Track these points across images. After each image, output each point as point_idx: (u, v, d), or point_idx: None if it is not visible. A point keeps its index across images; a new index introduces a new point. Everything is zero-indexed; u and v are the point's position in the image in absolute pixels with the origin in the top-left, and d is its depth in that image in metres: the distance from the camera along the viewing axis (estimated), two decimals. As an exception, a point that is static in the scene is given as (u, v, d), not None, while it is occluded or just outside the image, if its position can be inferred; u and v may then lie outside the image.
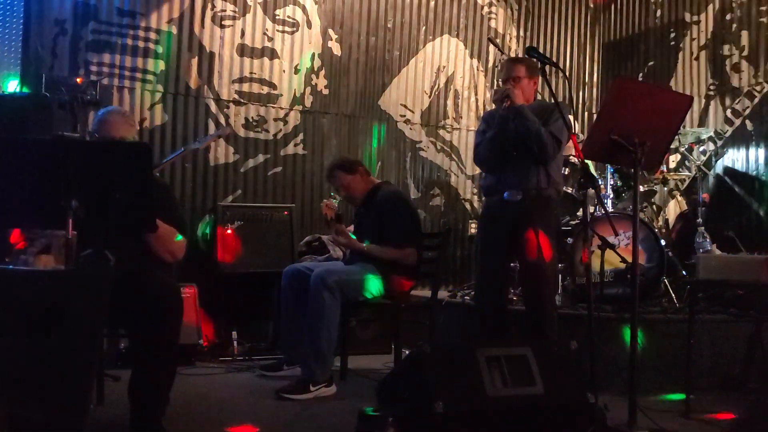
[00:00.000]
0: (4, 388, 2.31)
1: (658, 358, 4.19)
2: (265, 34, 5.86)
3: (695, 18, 6.46)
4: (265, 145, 5.87)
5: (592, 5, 7.40)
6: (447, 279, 6.22)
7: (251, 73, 5.81)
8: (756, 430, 2.67)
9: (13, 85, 4.80)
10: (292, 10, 5.97)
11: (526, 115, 3.83)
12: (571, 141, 3.71)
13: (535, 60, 3.77)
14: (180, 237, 3.09)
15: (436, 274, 4.55)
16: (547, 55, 6.76)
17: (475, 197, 6.72)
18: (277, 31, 5.92)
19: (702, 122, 6.25)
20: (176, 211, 3.32)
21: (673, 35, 6.64)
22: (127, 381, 2.92)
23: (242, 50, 5.78)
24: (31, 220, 2.71)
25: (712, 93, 6.25)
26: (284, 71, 5.94)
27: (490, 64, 6.86)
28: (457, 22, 6.71)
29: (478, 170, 6.14)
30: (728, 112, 6.10)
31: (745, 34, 6.05)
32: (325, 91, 6.13)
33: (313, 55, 6.03)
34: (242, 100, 5.78)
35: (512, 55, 6.75)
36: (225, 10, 5.72)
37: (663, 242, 4.74)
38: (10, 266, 2.75)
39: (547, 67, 3.56)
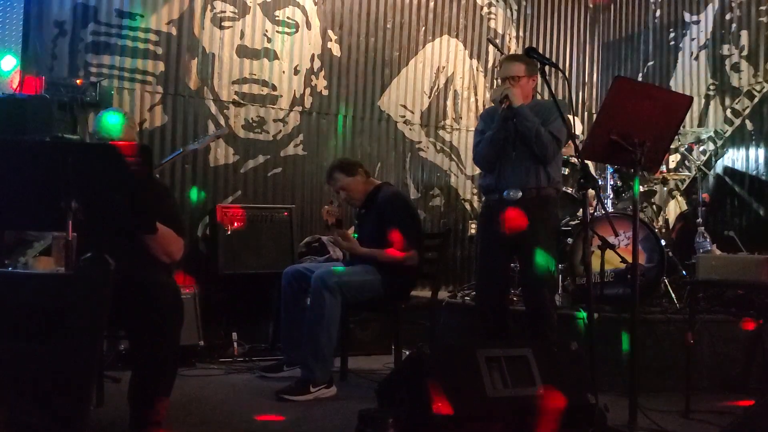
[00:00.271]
0: (4, 391, 2.31)
1: (658, 358, 4.19)
2: (264, 35, 5.87)
3: (695, 18, 6.46)
4: (264, 146, 5.87)
5: (591, 5, 7.40)
6: (447, 279, 6.22)
7: (251, 74, 5.81)
8: (756, 430, 2.67)
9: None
10: (291, 11, 5.98)
11: (526, 115, 3.83)
12: (570, 140, 3.71)
13: (534, 59, 3.77)
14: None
15: (436, 274, 4.55)
16: (547, 55, 6.79)
17: (475, 197, 6.72)
18: (277, 32, 5.92)
19: (702, 122, 6.25)
20: (175, 212, 3.32)
21: (672, 35, 6.64)
22: (127, 382, 2.92)
23: (242, 51, 5.78)
24: (30, 222, 2.71)
25: (711, 93, 6.25)
26: (284, 72, 5.94)
27: (490, 65, 6.86)
28: (457, 23, 6.71)
29: (477, 170, 6.13)
30: (728, 112, 6.10)
31: (744, 33, 6.05)
32: (325, 92, 6.13)
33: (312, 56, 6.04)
34: (242, 101, 5.78)
35: (512, 55, 6.74)
36: (224, 12, 5.72)
37: (663, 242, 4.74)
38: (10, 268, 2.75)
39: (547, 68, 3.56)
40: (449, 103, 6.68)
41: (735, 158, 6.04)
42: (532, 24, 7.10)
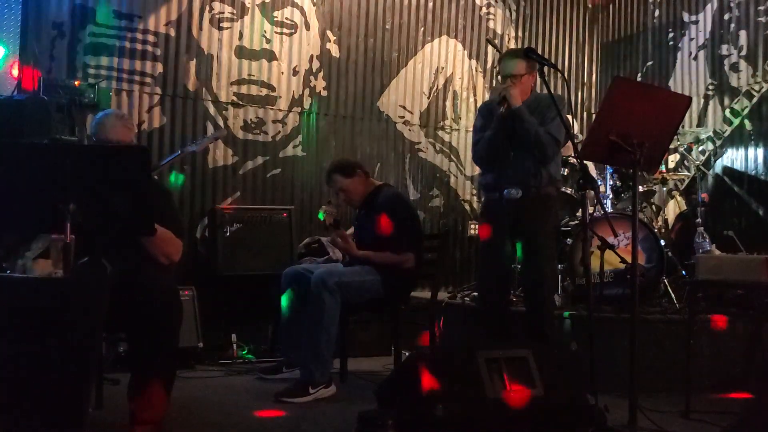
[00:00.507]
0: (3, 394, 2.30)
1: (658, 358, 4.18)
2: (263, 36, 5.86)
3: (693, 18, 6.45)
4: (263, 146, 5.87)
5: (590, 5, 7.39)
6: (447, 280, 6.22)
7: (250, 75, 5.81)
8: (756, 430, 2.67)
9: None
10: (290, 11, 5.97)
11: (525, 118, 3.83)
12: (569, 140, 3.71)
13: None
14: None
15: (436, 275, 4.54)
16: (546, 55, 6.79)
17: (475, 198, 6.71)
18: (276, 32, 5.92)
19: (701, 122, 6.25)
20: (173, 213, 3.32)
21: (671, 35, 6.64)
22: (126, 384, 2.92)
23: (240, 52, 5.78)
24: (28, 225, 2.71)
25: (710, 93, 6.25)
26: (283, 73, 5.93)
27: (489, 65, 6.86)
28: (456, 23, 6.70)
29: (477, 171, 6.12)
30: (727, 112, 6.10)
31: (743, 33, 6.04)
32: (324, 93, 6.12)
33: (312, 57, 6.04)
34: (241, 102, 5.77)
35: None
36: (223, 12, 5.71)
37: (662, 242, 4.74)
38: (8, 272, 2.75)
39: (546, 68, 3.55)
40: (448, 103, 6.68)
41: (734, 158, 6.03)
42: (531, 24, 7.10)
